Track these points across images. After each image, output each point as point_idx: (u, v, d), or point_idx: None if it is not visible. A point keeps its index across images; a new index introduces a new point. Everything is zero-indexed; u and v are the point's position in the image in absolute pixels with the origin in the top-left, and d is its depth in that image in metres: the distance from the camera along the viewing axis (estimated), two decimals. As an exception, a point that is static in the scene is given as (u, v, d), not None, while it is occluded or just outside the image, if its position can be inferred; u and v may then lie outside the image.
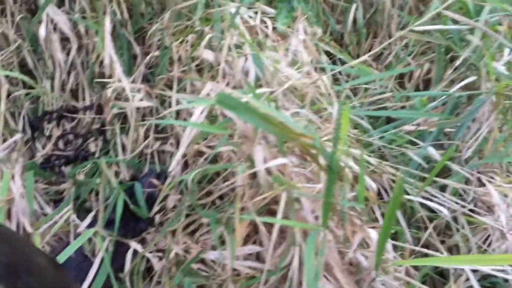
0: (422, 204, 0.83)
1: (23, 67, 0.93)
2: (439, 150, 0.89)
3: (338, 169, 0.57)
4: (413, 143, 0.91)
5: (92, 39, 0.92)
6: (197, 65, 0.89)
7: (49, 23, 0.91)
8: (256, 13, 1.02)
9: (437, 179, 0.87)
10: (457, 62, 1.03)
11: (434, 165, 0.81)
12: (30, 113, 0.90)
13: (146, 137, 0.85)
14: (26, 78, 0.87)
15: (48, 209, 0.78)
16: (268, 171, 0.69)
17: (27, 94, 0.90)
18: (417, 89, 1.14)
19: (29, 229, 0.70)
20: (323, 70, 1.03)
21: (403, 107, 1.05)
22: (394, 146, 0.90)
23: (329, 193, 0.58)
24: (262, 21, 1.01)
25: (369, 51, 1.25)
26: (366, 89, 1.08)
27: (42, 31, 0.89)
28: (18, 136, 0.80)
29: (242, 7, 0.95)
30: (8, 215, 0.70)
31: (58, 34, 0.92)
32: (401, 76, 1.19)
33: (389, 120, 1.00)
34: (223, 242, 0.68)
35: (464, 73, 1.02)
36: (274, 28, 1.01)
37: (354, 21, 1.26)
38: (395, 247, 0.77)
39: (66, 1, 0.93)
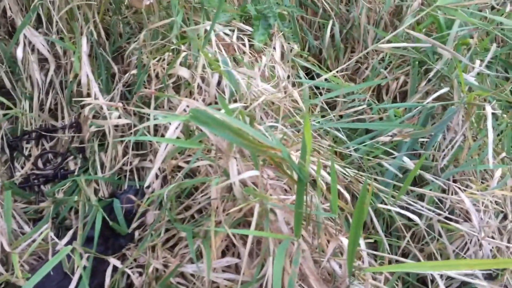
0: (401, 214, 0.86)
1: (0, 88, 0.95)
2: (415, 160, 0.92)
3: (307, 180, 0.60)
4: (389, 154, 0.95)
5: (69, 59, 0.95)
6: (174, 82, 0.92)
7: (26, 45, 0.94)
8: (232, 30, 1.06)
9: (414, 188, 0.91)
10: (431, 74, 1.08)
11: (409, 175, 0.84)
12: (8, 133, 0.92)
13: (125, 154, 0.87)
14: (3, 99, 0.89)
15: (27, 228, 0.80)
16: (244, 184, 0.72)
17: (5, 115, 0.92)
18: (394, 101, 1.18)
19: (7, 248, 0.71)
20: (301, 85, 1.07)
21: (381, 119, 1.09)
22: (371, 157, 0.93)
23: (300, 203, 0.61)
24: (239, 38, 1.05)
25: (347, 65, 1.30)
26: (344, 102, 1.12)
27: (19, 53, 0.92)
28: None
29: (218, 25, 0.99)
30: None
31: (36, 55, 0.95)
32: (378, 89, 1.23)
33: (367, 131, 1.04)
34: (201, 255, 0.70)
35: (438, 84, 1.07)
36: (251, 45, 1.05)
37: (332, 36, 1.31)
38: (375, 256, 0.79)
39: (43, 22, 0.96)
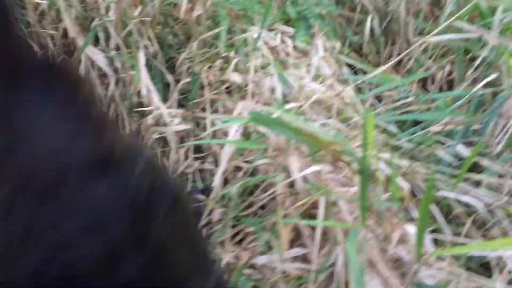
0: (459, 202, 0.89)
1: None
2: (469, 147, 0.95)
3: (369, 171, 0.65)
4: (442, 143, 0.98)
5: (127, 72, 1.03)
6: (226, 88, 0.99)
7: (87, 62, 1.03)
8: (276, 34, 1.12)
9: (470, 175, 0.93)
10: (477, 62, 1.10)
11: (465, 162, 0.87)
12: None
13: (186, 158, 0.95)
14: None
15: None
16: (304, 179, 0.78)
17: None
18: (441, 90, 1.21)
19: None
20: (346, 81, 1.11)
21: (428, 109, 1.11)
22: (424, 147, 0.96)
23: (364, 194, 0.66)
24: (283, 41, 1.11)
25: (389, 58, 1.33)
26: (390, 96, 1.15)
27: (81, 70, 1.01)
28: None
29: (263, 30, 1.05)
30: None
31: (96, 71, 1.04)
32: (423, 79, 1.26)
33: (416, 123, 1.07)
34: (269, 248, 0.75)
35: (485, 71, 1.09)
36: (294, 47, 1.11)
37: (371, 31, 1.34)
38: (436, 242, 0.83)
39: (101, 40, 1.05)
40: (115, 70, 1.04)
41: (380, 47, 1.35)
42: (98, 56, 1.02)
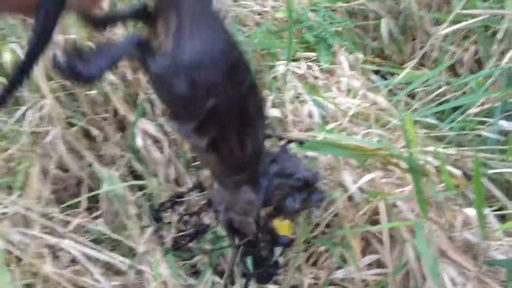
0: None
1: (132, 174, 1.19)
2: (511, 121, 0.99)
3: (419, 167, 0.72)
4: (484, 123, 1.02)
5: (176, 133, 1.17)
6: (269, 124, 1.10)
7: (140, 133, 1.18)
8: (300, 62, 1.22)
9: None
10: (499, 35, 1.15)
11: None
12: (150, 209, 1.14)
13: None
14: (140, 182, 1.12)
15: (192, 281, 0.99)
16: (361, 189, 0.85)
17: (143, 195, 1.14)
18: (471, 72, 1.25)
19: (184, 299, 0.91)
20: (377, 88, 1.19)
21: (463, 94, 1.16)
22: (467, 131, 1.02)
23: (419, 190, 0.73)
24: (308, 67, 1.21)
25: (412, 54, 1.40)
26: (423, 90, 1.21)
27: (140, 142, 1.15)
28: (150, 230, 1.03)
29: (288, 62, 1.15)
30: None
31: (150, 139, 1.18)
32: (452, 67, 1.31)
33: (455, 110, 1.12)
34: (344, 261, 0.83)
35: (509, 43, 1.13)
36: (320, 69, 1.21)
37: (389, 33, 1.42)
38: (503, 219, 0.87)
39: (147, 110, 1.20)
40: (166, 134, 1.18)
41: (401, 46, 1.42)
42: (149, 126, 1.16)
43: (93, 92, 1.17)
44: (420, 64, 1.38)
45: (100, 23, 0.40)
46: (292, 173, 0.48)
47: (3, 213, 0.93)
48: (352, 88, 1.13)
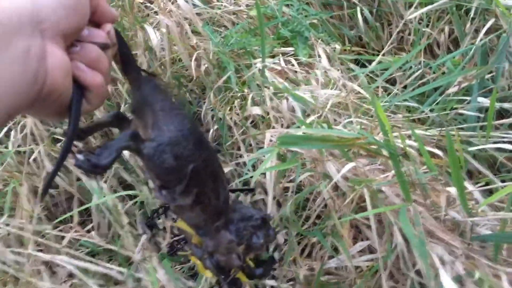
0: (501, 149, 0.94)
1: (121, 184, 1.20)
2: (489, 97, 1.01)
3: (396, 151, 0.73)
4: (463, 101, 1.04)
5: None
6: (251, 122, 1.11)
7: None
8: (278, 58, 1.23)
9: (502, 121, 0.99)
10: (471, 13, 1.16)
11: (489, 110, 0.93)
12: (143, 217, 1.15)
13: (237, 196, 1.06)
14: (130, 192, 1.13)
15: (190, 283, 1.00)
16: (345, 178, 0.86)
17: (134, 203, 1.15)
18: (449, 52, 1.27)
19: (183, 302, 0.92)
20: (356, 76, 1.20)
21: (443, 73, 1.18)
22: (448, 111, 1.03)
23: (399, 174, 0.74)
24: (287, 61, 1.22)
25: (390, 38, 1.41)
26: (403, 75, 1.23)
27: (125, 152, 1.15)
28: (144, 238, 1.04)
29: (265, 59, 1.16)
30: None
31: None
32: (430, 48, 1.32)
33: (435, 91, 1.13)
34: (337, 250, 0.84)
35: (483, 20, 1.15)
36: (299, 63, 1.22)
37: (365, 21, 1.43)
38: (491, 194, 0.88)
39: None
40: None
41: (378, 32, 1.43)
42: (134, 135, 1.16)
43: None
44: (399, 49, 1.39)
45: (83, 134, 0.54)
46: (250, 216, 0.60)
47: (-4, 235, 0.94)
48: (331, 78, 1.14)
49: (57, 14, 0.37)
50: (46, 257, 0.92)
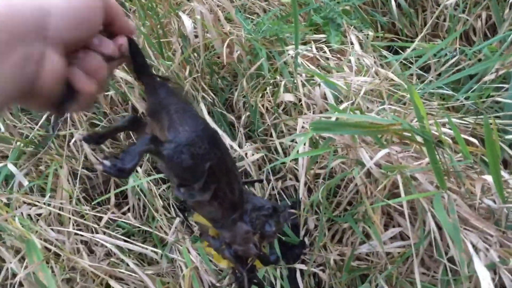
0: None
1: (156, 169, 1.23)
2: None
3: (432, 137, 0.73)
4: (501, 89, 1.02)
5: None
6: (283, 109, 1.12)
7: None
8: (310, 45, 1.23)
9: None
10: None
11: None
12: (176, 200, 1.19)
13: (268, 181, 1.08)
14: (163, 175, 1.16)
15: (221, 265, 1.02)
16: (378, 165, 0.87)
17: (168, 187, 1.18)
18: (486, 39, 1.24)
19: (215, 282, 0.94)
20: (389, 63, 1.19)
21: (479, 61, 1.16)
22: (484, 99, 1.01)
23: (434, 161, 0.74)
24: (319, 49, 1.22)
25: (424, 25, 1.39)
26: (438, 62, 1.21)
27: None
28: (177, 221, 1.08)
29: (298, 47, 1.16)
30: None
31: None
32: (466, 34, 1.30)
33: (471, 79, 1.12)
34: (368, 236, 0.85)
35: (522, 4, 1.12)
36: (331, 50, 1.21)
37: (398, 6, 1.41)
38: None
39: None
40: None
41: (412, 19, 1.41)
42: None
43: (112, 92, 1.21)
44: (433, 36, 1.37)
45: (100, 139, 0.56)
46: (261, 206, 0.62)
47: (38, 214, 0.98)
48: (364, 65, 1.14)
49: (63, 25, 0.38)
50: (86, 236, 0.96)
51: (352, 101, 0.98)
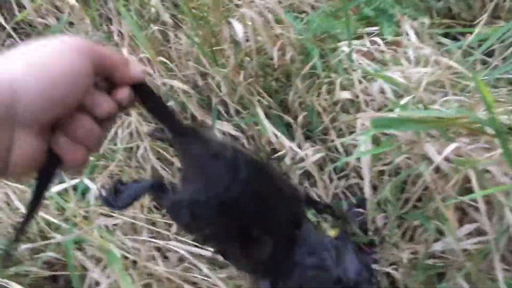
0: None
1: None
2: None
3: (504, 128, 0.69)
4: None
5: (253, 129, 1.21)
6: (341, 107, 1.11)
7: (219, 134, 1.24)
8: (363, 39, 1.21)
9: None
10: None
11: None
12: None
13: (331, 181, 1.07)
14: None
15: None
16: (447, 160, 0.84)
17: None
18: (554, 17, 1.16)
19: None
20: (448, 51, 1.15)
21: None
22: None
23: (507, 152, 0.71)
24: (373, 42, 1.20)
25: (483, 7, 1.32)
26: (501, 46, 1.14)
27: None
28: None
29: (351, 42, 1.15)
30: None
31: (228, 138, 1.24)
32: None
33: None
34: (441, 233, 0.83)
35: None
36: (386, 42, 1.19)
37: (454, -11, 1.35)
38: None
39: (222, 112, 1.26)
40: (242, 131, 1.23)
41: (470, 1, 1.34)
42: (226, 126, 1.22)
43: (170, 103, 1.25)
44: (494, 17, 1.30)
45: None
46: (330, 267, 0.51)
47: (115, 224, 1.04)
48: (423, 55, 1.10)
49: (33, 107, 0.35)
50: (160, 243, 1.00)
51: (413, 95, 0.95)
